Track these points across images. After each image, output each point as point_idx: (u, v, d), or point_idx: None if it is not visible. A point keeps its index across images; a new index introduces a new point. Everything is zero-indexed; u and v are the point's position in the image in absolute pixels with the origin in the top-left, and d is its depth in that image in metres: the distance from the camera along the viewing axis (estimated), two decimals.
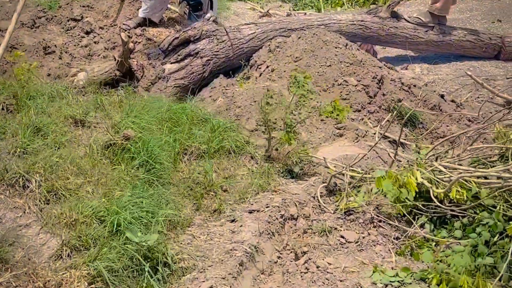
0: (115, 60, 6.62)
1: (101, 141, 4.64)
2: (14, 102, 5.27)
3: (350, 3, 10.30)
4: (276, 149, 5.07)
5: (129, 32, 8.03)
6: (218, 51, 7.08)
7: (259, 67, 7.04)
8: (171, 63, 7.01)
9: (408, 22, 7.84)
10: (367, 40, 7.71)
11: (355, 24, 7.58)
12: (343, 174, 4.88)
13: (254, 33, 7.26)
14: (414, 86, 6.12)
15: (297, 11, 10.94)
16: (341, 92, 5.91)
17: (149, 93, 6.63)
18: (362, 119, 5.75)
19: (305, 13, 9.08)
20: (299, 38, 6.48)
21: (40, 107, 5.14)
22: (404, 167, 4.44)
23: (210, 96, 6.81)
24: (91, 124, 5.12)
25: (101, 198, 4.05)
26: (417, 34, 7.82)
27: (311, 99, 5.54)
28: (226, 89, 6.74)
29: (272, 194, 4.60)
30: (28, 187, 4.08)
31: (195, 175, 4.64)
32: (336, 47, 6.23)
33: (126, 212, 3.83)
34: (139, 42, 8.05)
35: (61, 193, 4.07)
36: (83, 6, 8.38)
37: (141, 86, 6.66)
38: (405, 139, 5.57)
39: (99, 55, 7.96)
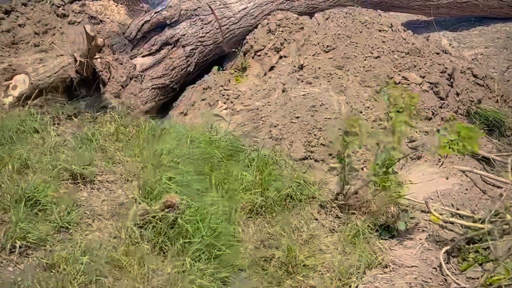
0: (75, 60, 5.37)
1: (133, 213, 3.51)
2: None
3: None
4: (356, 193, 4.09)
5: (66, 8, 6.77)
6: (203, 36, 5.98)
7: (258, 53, 6.01)
8: (144, 56, 5.87)
9: None
10: (380, 6, 6.76)
11: None
12: (451, 223, 4.00)
13: (245, 8, 6.20)
14: (486, 77, 5.22)
15: None
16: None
17: (120, 100, 5.44)
18: (438, 130, 4.81)
19: None
20: (326, 19, 5.50)
21: (18, 158, 3.92)
22: None
23: (203, 100, 5.72)
24: (95, 177, 3.96)
25: None
26: None
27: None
28: (225, 90, 5.68)
29: (384, 272, 3.65)
30: None
31: (269, 252, 3.62)
32: (380, 30, 5.29)
33: None
34: (79, 22, 6.78)
35: None
36: None
37: (109, 92, 5.49)
38: (497, 156, 4.69)
39: (28, 42, 6.63)
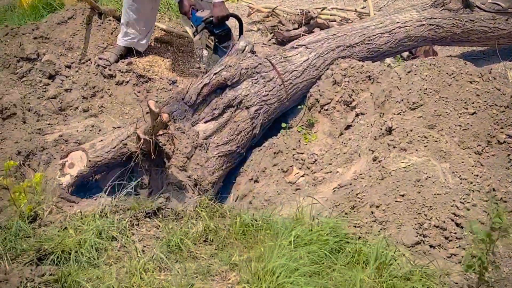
0: (138, 138, 4.42)
1: None
2: (53, 278, 3.10)
3: None
4: None
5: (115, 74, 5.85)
6: (267, 94, 5.05)
7: (325, 108, 5.12)
8: (206, 121, 4.95)
9: (484, 10, 5.94)
10: (440, 42, 5.84)
11: (424, 24, 5.73)
12: None
13: (307, 59, 5.28)
14: None
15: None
16: (509, 155, 4.01)
17: (186, 174, 4.50)
18: None
19: (323, 8, 6.97)
20: (408, 72, 4.53)
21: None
22: None
23: (275, 165, 4.82)
24: None
25: None
26: (498, 26, 6.05)
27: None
28: (298, 153, 4.76)
29: None
30: None
31: None
32: (471, 82, 4.35)
33: None
34: (127, 82, 5.86)
35: None
36: (35, 38, 6.02)
37: (175, 166, 4.56)
38: None
39: (76, 108, 5.78)
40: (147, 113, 4.25)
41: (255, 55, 5.25)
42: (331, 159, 4.61)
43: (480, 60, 6.27)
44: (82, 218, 3.69)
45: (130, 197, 4.31)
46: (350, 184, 4.09)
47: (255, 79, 5.11)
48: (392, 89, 4.60)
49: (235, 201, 4.96)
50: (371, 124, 4.56)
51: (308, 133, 5.10)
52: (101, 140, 4.88)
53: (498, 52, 6.07)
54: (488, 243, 3.10)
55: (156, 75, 6.10)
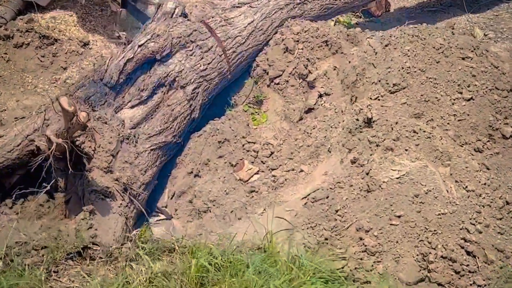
0: (49, 141, 3.37)
1: None
2: None
3: None
4: None
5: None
6: (205, 68, 4.07)
7: (275, 81, 4.18)
8: (132, 106, 3.93)
9: None
10: None
11: None
12: None
13: (252, 22, 4.32)
14: None
15: None
16: None
17: (112, 176, 3.52)
18: None
19: None
20: (385, 46, 3.59)
21: None
22: None
23: (221, 157, 3.89)
24: None
25: None
26: None
27: None
28: (249, 142, 3.85)
29: None
30: None
31: None
32: (463, 58, 3.46)
33: None
34: (28, 44, 4.81)
35: None
36: None
37: (97, 167, 3.54)
38: None
39: None
40: (57, 99, 3.19)
41: (188, 19, 4.19)
42: (291, 152, 3.69)
43: (438, 12, 5.41)
44: None
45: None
46: (327, 198, 3.17)
47: (190, 50, 4.09)
48: (366, 66, 3.66)
49: (171, 198, 4.02)
50: (342, 111, 3.64)
51: (256, 112, 4.14)
52: (1, 137, 3.81)
53: (463, 2, 5.17)
54: None
55: (63, 35, 5.02)
